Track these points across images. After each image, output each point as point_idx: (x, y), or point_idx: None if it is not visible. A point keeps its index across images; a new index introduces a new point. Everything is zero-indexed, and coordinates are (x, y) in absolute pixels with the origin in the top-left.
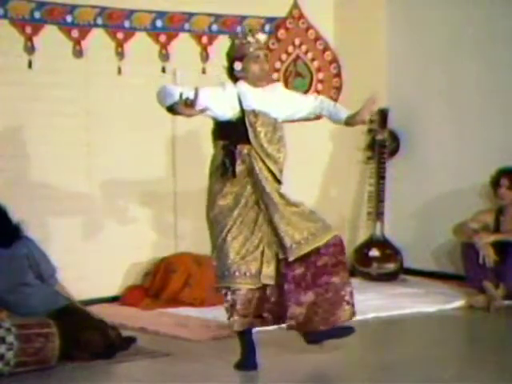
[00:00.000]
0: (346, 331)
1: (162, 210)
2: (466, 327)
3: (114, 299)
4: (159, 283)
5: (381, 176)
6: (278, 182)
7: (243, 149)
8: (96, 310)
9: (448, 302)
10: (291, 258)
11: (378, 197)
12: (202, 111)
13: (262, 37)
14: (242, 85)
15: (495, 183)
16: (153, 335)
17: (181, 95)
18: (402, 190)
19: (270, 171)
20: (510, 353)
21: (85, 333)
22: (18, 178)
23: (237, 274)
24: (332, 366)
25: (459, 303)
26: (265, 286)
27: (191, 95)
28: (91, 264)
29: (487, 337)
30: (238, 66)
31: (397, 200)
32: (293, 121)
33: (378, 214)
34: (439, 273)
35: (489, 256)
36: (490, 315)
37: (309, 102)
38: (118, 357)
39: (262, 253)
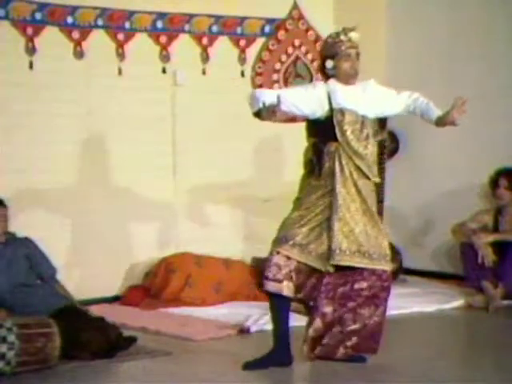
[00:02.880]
0: (358, 359)
1: (163, 210)
2: (465, 327)
3: (114, 299)
4: (160, 283)
5: (380, 176)
6: (367, 177)
7: (331, 146)
8: (97, 310)
9: (447, 301)
10: (331, 262)
11: (377, 197)
12: (286, 114)
13: (354, 35)
14: (333, 83)
15: (494, 183)
16: (153, 335)
17: (264, 103)
18: (401, 190)
19: (357, 167)
20: (508, 352)
21: (85, 332)
22: (18, 179)
23: (283, 240)
24: (331, 366)
25: (458, 303)
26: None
27: (274, 101)
28: (92, 264)
29: (486, 336)
30: (329, 63)
31: (396, 200)
32: (386, 117)
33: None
34: (438, 273)
35: (487, 256)
36: (488, 315)
37: (402, 100)
38: (119, 356)
39: (320, 235)
